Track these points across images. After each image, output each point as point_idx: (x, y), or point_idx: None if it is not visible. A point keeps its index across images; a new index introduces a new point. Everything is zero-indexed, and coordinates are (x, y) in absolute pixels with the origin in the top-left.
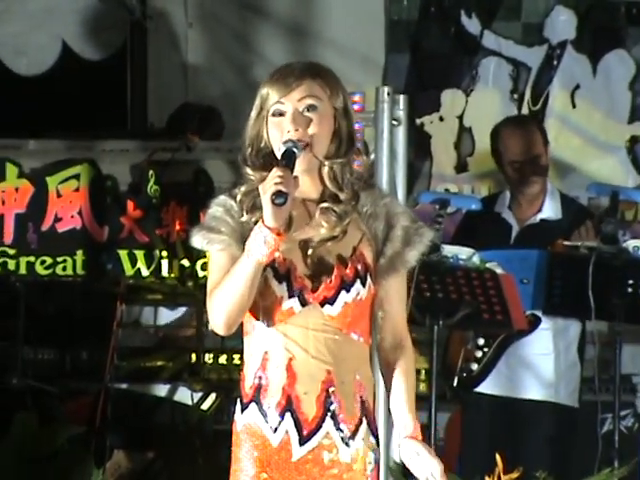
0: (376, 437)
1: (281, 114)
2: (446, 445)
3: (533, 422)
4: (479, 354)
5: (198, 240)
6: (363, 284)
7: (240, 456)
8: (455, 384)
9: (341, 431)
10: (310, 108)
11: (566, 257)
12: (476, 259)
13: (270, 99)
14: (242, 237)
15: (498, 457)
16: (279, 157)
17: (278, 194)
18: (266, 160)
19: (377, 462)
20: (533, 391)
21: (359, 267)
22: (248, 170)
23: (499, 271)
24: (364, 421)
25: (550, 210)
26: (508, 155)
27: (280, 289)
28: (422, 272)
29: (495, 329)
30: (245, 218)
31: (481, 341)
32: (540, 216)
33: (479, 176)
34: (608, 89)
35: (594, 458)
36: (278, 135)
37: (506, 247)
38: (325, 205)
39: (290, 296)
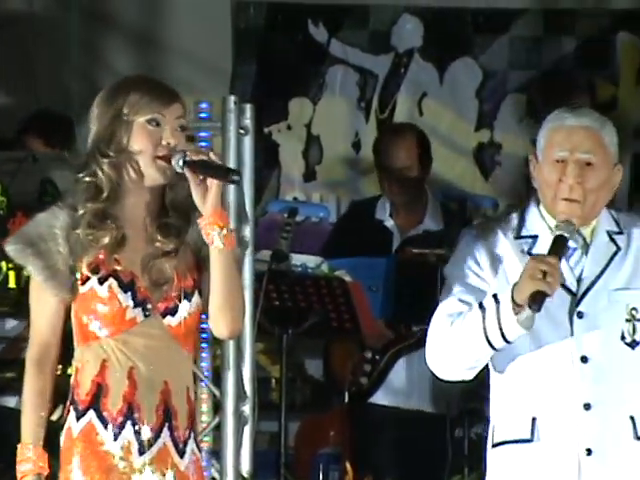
0: (198, 447)
1: (158, 124)
2: (296, 454)
3: (381, 427)
4: (368, 368)
5: (35, 271)
6: (200, 294)
7: (74, 464)
8: (347, 400)
9: (176, 442)
10: (181, 128)
11: (414, 264)
12: (325, 267)
13: (146, 106)
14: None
15: (348, 465)
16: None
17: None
18: (110, 162)
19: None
20: (386, 398)
21: (195, 279)
22: (104, 166)
23: (348, 279)
24: (192, 433)
25: (432, 221)
26: (379, 160)
27: (125, 298)
28: (271, 281)
29: (344, 337)
30: (80, 231)
31: (369, 354)
32: (422, 227)
33: (328, 184)
34: (455, 97)
35: (445, 465)
36: (149, 142)
37: (385, 253)
38: (164, 221)
39: (135, 306)
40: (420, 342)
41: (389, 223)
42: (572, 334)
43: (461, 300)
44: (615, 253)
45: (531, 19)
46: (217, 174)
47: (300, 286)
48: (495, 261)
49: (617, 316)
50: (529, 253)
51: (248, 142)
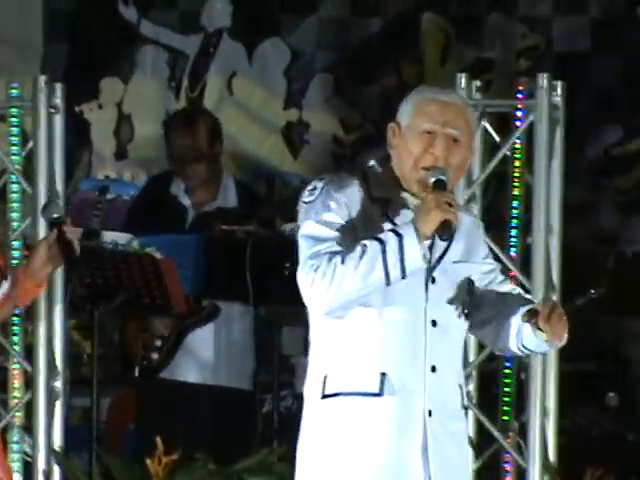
0: None
1: None
2: (109, 428)
3: (196, 404)
4: (158, 343)
5: None
6: None
7: None
8: (137, 374)
9: None
10: None
11: (223, 241)
12: (135, 244)
13: None
14: None
15: (159, 440)
16: None
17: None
18: None
19: None
20: (192, 374)
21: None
22: None
23: (158, 256)
24: None
25: (225, 198)
26: (169, 147)
27: None
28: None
29: (155, 313)
30: None
31: (160, 330)
32: (216, 204)
33: (139, 162)
34: (264, 76)
35: (254, 439)
36: None
37: (181, 232)
38: None
39: None
40: (210, 316)
41: (184, 199)
42: (427, 299)
43: (340, 243)
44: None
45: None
46: (71, 264)
47: (111, 263)
48: (355, 209)
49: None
50: (384, 214)
51: (59, 121)
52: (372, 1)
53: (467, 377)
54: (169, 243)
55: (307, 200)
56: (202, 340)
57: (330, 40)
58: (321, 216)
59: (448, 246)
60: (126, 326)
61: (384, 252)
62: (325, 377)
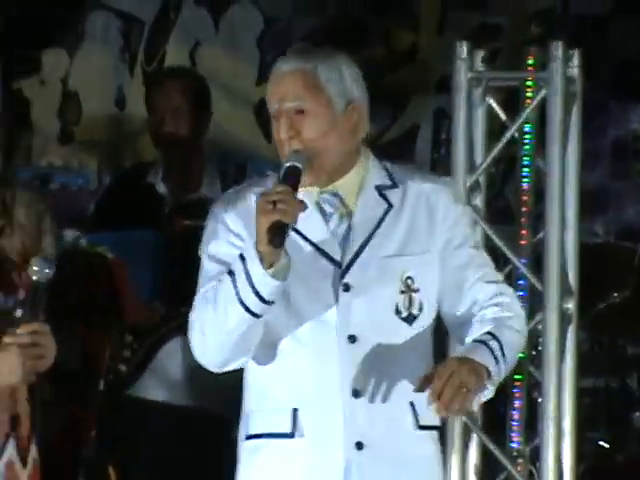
0: None
1: None
2: (55, 456)
3: (160, 425)
4: (127, 354)
5: None
6: None
7: None
8: (102, 387)
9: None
10: None
11: (184, 238)
12: (84, 242)
13: None
14: None
15: (111, 469)
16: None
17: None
18: None
19: None
20: (156, 392)
21: None
22: None
23: (110, 256)
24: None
25: (210, 188)
26: (148, 109)
27: None
28: None
29: (105, 318)
30: None
31: (129, 338)
32: (198, 195)
33: (87, 147)
34: (233, 47)
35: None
36: None
37: (156, 223)
38: None
39: None
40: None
41: (160, 187)
42: (338, 312)
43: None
44: (386, 212)
45: None
46: None
47: (57, 262)
48: (249, 229)
49: (390, 288)
50: None
51: None
52: None
53: None
54: (124, 241)
55: (205, 226)
56: (168, 353)
57: (308, 4)
58: (208, 247)
59: (365, 243)
60: (90, 334)
61: (234, 282)
62: (248, 414)
